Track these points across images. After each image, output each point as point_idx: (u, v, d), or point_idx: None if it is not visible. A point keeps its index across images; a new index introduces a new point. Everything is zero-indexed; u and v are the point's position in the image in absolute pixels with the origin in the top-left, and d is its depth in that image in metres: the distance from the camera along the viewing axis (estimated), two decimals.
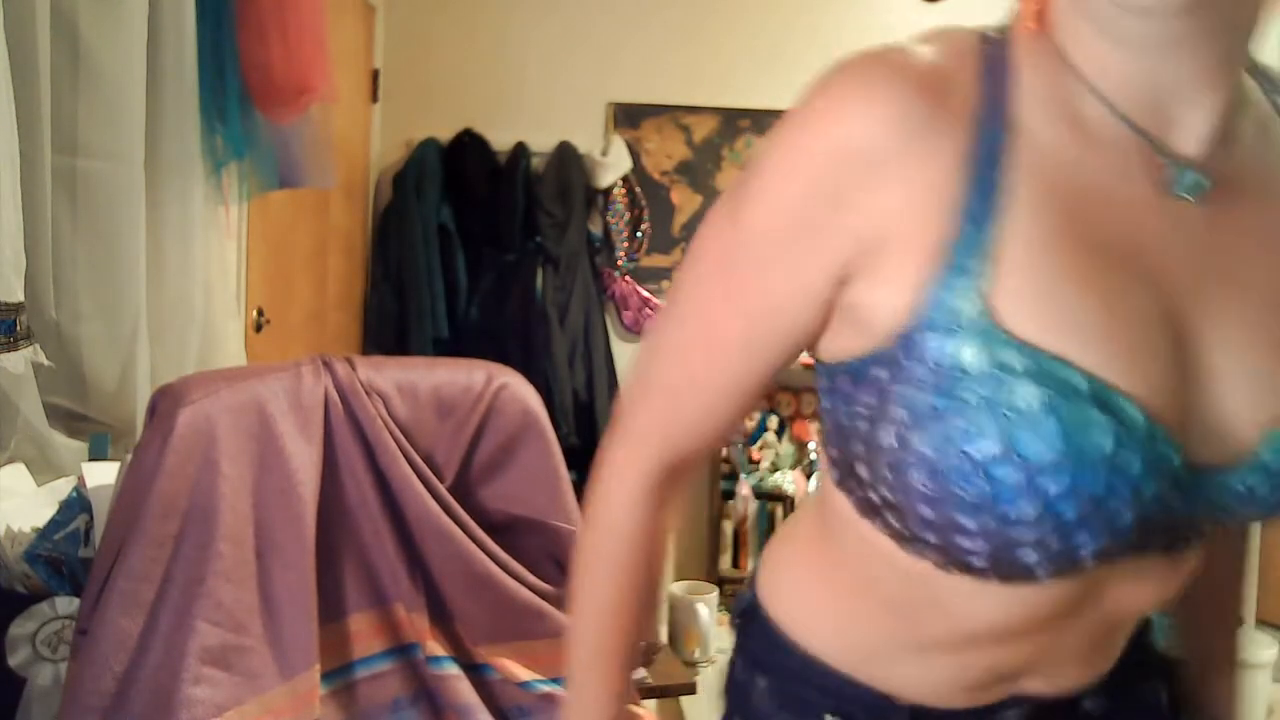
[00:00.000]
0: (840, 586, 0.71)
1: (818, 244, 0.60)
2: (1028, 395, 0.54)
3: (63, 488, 1.30)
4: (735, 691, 0.78)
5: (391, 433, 1.26)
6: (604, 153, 3.44)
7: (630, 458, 0.71)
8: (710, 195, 3.56)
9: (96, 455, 1.47)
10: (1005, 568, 0.59)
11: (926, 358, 0.56)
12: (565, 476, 1.37)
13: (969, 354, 0.55)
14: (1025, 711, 0.72)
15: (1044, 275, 0.56)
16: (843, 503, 0.66)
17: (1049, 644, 0.67)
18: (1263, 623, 3.40)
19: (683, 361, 0.68)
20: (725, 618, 3.23)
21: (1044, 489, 0.54)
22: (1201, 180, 0.59)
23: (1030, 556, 0.57)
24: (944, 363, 0.56)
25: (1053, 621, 0.65)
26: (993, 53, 0.60)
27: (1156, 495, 0.57)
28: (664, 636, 2.41)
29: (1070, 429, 0.54)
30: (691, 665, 2.25)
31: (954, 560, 0.60)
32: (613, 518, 0.72)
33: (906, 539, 0.62)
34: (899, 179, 0.57)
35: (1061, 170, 0.58)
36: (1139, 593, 0.66)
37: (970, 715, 0.71)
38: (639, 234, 3.54)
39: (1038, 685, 0.70)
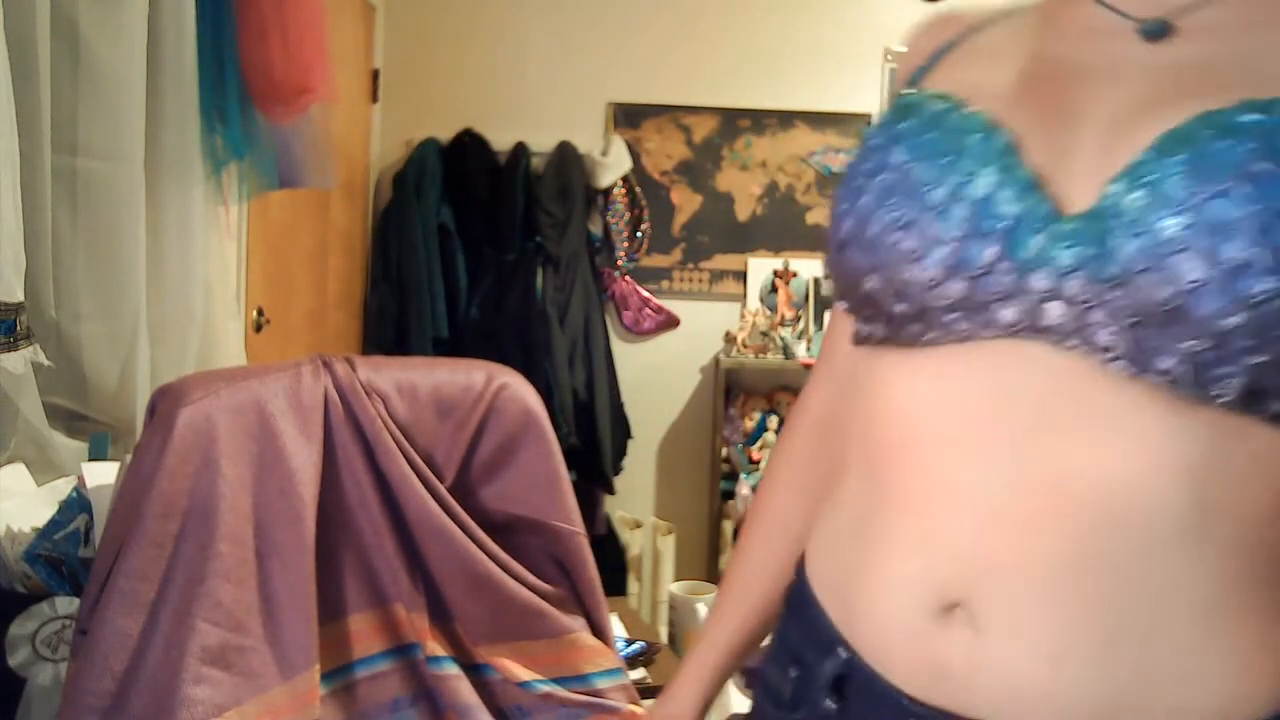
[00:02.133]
0: (834, 489, 0.73)
1: None
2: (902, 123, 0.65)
3: (63, 488, 1.30)
4: None
5: (391, 433, 1.26)
6: (604, 153, 3.44)
7: (800, 398, 0.86)
8: (710, 195, 3.57)
9: (96, 455, 1.47)
10: (865, 305, 0.64)
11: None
12: (565, 476, 1.37)
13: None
14: None
15: (954, 73, 0.70)
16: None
17: (975, 508, 0.57)
18: None
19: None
20: None
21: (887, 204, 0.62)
22: (1160, 24, 0.62)
23: (866, 275, 0.62)
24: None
25: (963, 440, 0.58)
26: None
27: (987, 200, 0.58)
28: (664, 636, 2.41)
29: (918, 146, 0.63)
30: None
31: (852, 307, 0.67)
32: (773, 449, 0.87)
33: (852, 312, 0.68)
34: (913, 54, 0.76)
35: (1022, 35, 0.69)
36: (1097, 456, 0.54)
37: (895, 713, 0.61)
38: (639, 234, 3.54)
39: (970, 667, 0.58)
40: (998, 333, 0.57)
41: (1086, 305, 0.54)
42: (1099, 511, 0.54)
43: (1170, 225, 0.51)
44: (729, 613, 0.83)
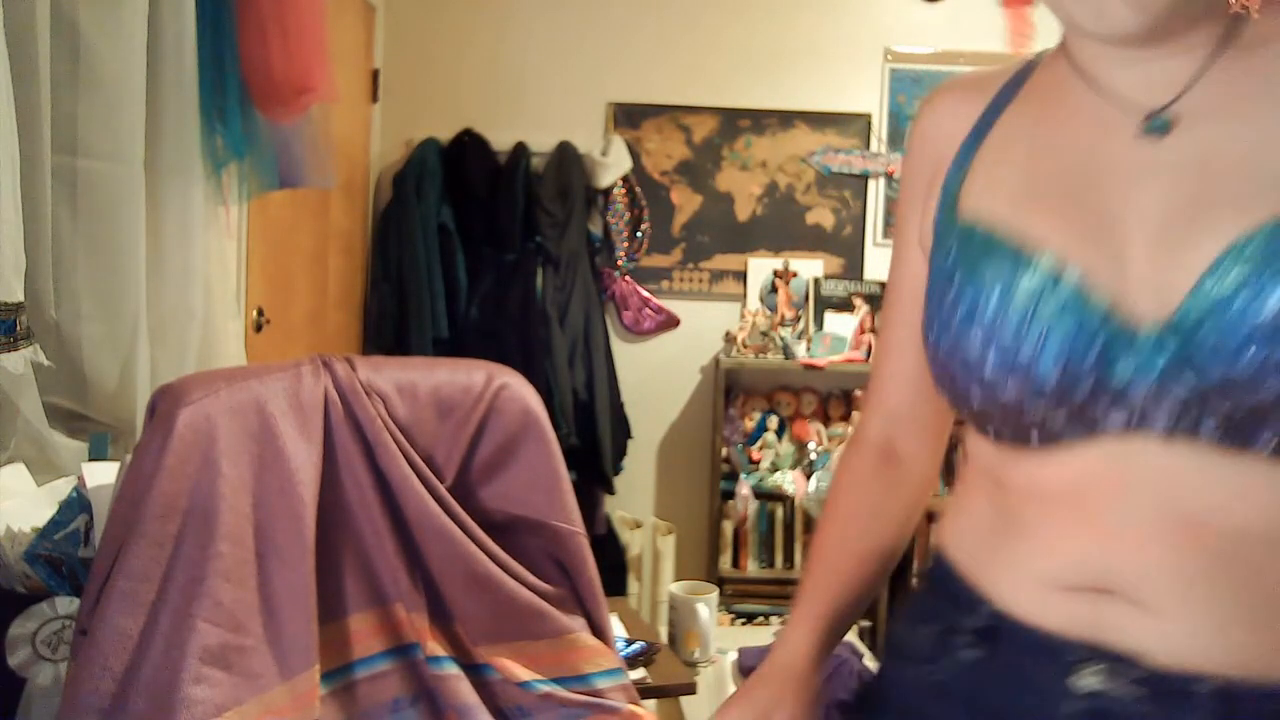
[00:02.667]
0: (964, 484, 0.82)
1: (911, 197, 0.85)
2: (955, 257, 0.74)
3: (63, 488, 1.30)
4: None
5: (391, 433, 1.26)
6: (604, 153, 3.44)
7: (857, 429, 0.93)
8: (710, 195, 3.57)
9: (96, 455, 1.47)
10: (982, 420, 0.73)
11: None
12: (565, 476, 1.37)
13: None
14: (1113, 677, 0.67)
15: (993, 177, 0.76)
16: None
17: (1123, 541, 0.66)
18: None
19: (879, 340, 0.92)
20: (725, 618, 3.23)
21: (971, 336, 0.70)
22: (1164, 120, 0.68)
23: (978, 402, 0.72)
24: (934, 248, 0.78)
25: (1099, 500, 0.67)
26: (1024, 65, 0.81)
27: (1073, 344, 0.65)
28: (664, 636, 2.41)
29: (986, 281, 0.70)
30: (691, 665, 2.24)
31: (965, 417, 0.76)
32: (836, 469, 0.94)
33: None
34: (943, 137, 0.82)
35: (1040, 125, 0.76)
36: (1208, 492, 0.64)
37: (1049, 652, 0.70)
38: (639, 234, 3.54)
39: (1134, 627, 0.66)
40: (1108, 435, 0.67)
41: (1186, 404, 0.63)
42: (1234, 541, 0.64)
43: (1251, 336, 0.60)
44: (823, 583, 0.89)
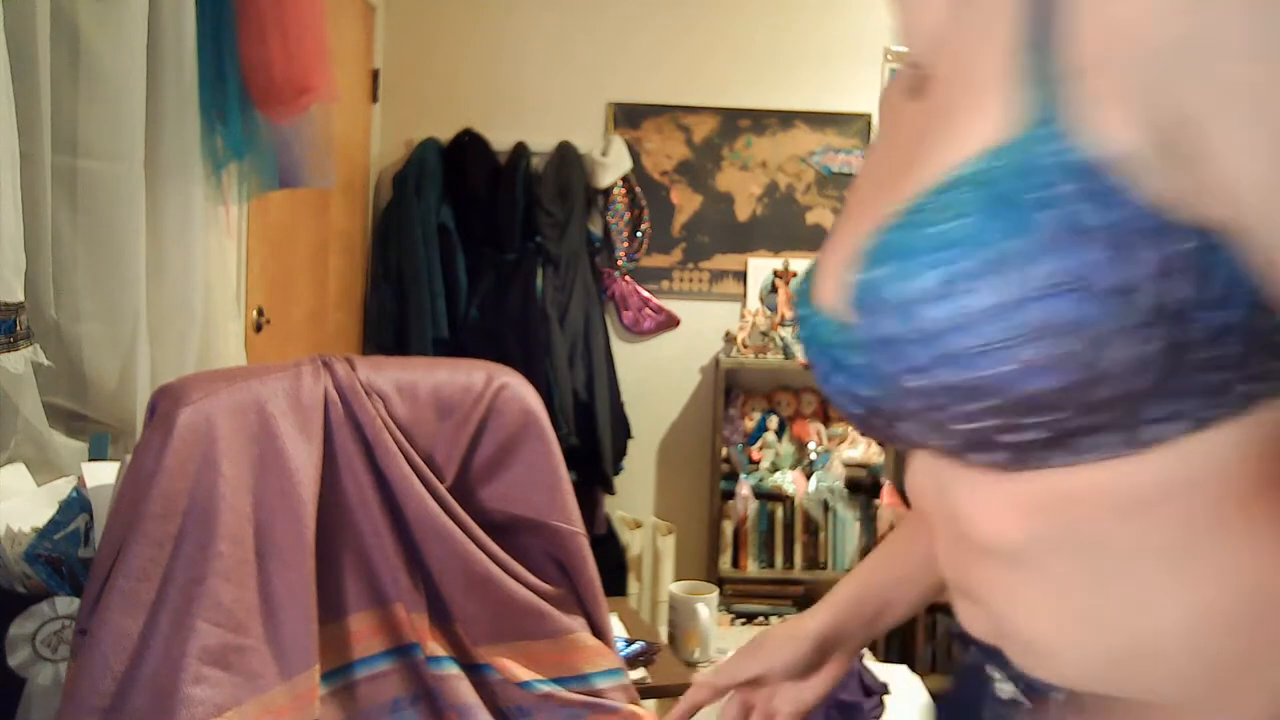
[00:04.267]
0: None
1: None
2: None
3: (63, 488, 1.30)
4: None
5: (391, 433, 1.26)
6: (604, 153, 3.44)
7: None
8: (710, 195, 3.57)
9: (96, 455, 1.47)
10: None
11: None
12: (565, 476, 1.37)
13: None
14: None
15: None
16: None
17: (941, 549, 0.65)
18: None
19: None
20: (725, 618, 3.23)
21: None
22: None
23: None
24: None
25: (930, 514, 0.64)
26: None
27: (811, 338, 0.62)
28: (664, 636, 2.41)
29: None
30: (691, 665, 2.25)
31: None
32: None
33: None
34: None
35: None
36: (971, 514, 0.58)
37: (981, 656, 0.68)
38: (639, 234, 3.54)
39: (969, 620, 0.66)
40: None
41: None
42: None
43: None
44: (850, 583, 0.87)
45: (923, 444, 0.59)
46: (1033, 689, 0.62)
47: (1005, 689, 0.65)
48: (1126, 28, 0.46)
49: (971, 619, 0.66)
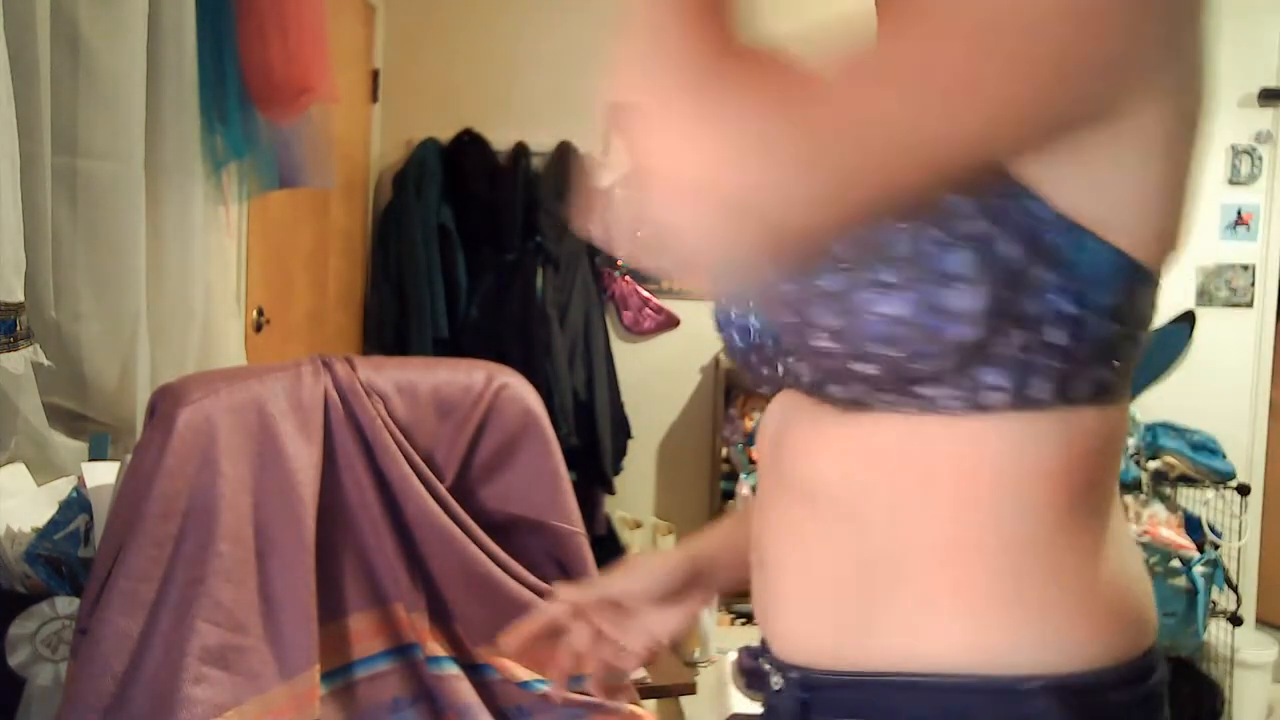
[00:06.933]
0: None
1: None
2: None
3: (63, 488, 1.30)
4: None
5: (391, 433, 1.26)
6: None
7: None
8: None
9: (96, 455, 1.47)
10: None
11: None
12: (565, 476, 1.37)
13: None
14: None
15: None
16: None
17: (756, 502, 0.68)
18: (1262, 623, 3.39)
19: None
20: (725, 618, 3.23)
21: None
22: None
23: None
24: None
25: (767, 447, 0.67)
26: None
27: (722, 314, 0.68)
28: None
29: None
30: (691, 665, 2.25)
31: None
32: None
33: None
34: None
35: None
36: (801, 448, 0.62)
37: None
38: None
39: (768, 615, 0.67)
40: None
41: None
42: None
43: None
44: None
45: (794, 381, 0.62)
46: (783, 671, 0.65)
47: (776, 680, 0.66)
48: None
49: (756, 594, 0.68)
